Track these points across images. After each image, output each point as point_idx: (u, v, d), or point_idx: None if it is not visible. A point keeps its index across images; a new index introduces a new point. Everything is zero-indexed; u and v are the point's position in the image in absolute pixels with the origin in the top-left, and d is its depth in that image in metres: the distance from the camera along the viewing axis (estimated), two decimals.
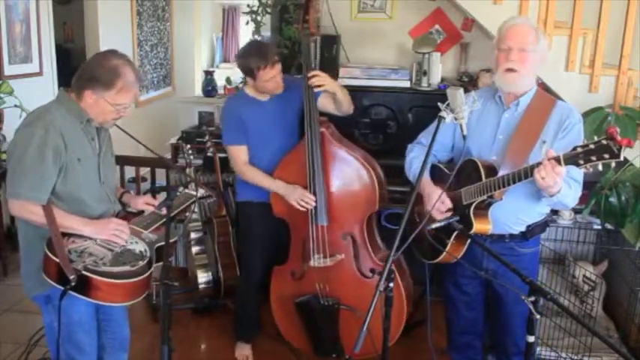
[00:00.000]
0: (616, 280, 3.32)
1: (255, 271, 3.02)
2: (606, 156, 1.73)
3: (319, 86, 2.71)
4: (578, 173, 2.11)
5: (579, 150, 1.79)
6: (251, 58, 2.72)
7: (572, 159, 1.81)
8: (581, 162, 1.79)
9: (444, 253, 2.23)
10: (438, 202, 2.20)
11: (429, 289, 2.31)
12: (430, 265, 2.34)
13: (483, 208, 2.15)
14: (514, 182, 2.00)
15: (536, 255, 2.38)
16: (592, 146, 1.76)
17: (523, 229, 2.26)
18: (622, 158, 1.72)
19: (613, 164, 1.76)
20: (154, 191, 3.80)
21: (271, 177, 2.83)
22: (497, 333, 2.49)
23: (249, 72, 2.75)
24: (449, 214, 2.22)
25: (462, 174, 2.21)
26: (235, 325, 3.20)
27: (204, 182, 3.89)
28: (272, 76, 2.73)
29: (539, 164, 1.92)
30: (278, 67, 2.75)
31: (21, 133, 2.01)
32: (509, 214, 2.21)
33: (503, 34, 2.19)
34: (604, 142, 1.73)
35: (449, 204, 2.23)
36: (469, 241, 2.19)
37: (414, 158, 2.42)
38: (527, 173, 1.95)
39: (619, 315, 3.26)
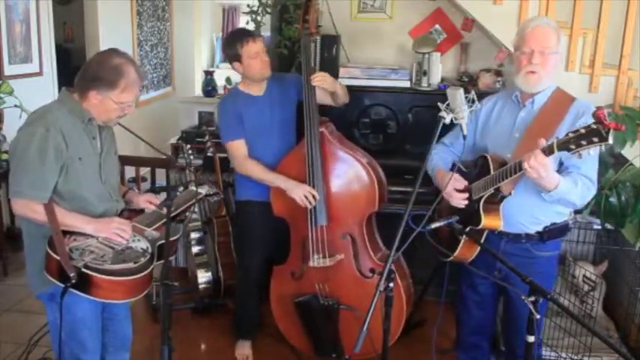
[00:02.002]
0: (616, 280, 3.32)
1: (253, 270, 3.02)
2: (595, 140, 1.74)
3: (321, 86, 2.75)
4: (590, 169, 2.10)
5: (571, 135, 1.80)
6: (233, 40, 2.80)
7: (563, 145, 1.82)
8: (573, 147, 1.79)
9: (452, 256, 2.23)
10: (452, 181, 2.21)
11: (444, 288, 2.31)
12: (446, 265, 2.34)
13: (495, 203, 2.15)
14: (512, 174, 2.00)
15: (553, 259, 2.35)
16: (582, 131, 1.77)
17: (540, 229, 2.23)
18: (611, 141, 1.73)
19: (603, 148, 1.76)
20: (154, 191, 3.79)
21: (272, 171, 2.83)
22: (507, 333, 2.49)
23: (235, 55, 2.79)
24: (466, 196, 2.22)
25: (476, 170, 2.22)
26: (235, 324, 3.20)
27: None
28: (256, 51, 2.77)
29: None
30: (260, 43, 2.80)
31: (22, 133, 2.02)
32: (524, 211, 2.19)
33: (525, 36, 2.18)
34: (593, 126, 1.74)
35: (464, 181, 2.23)
36: (484, 238, 2.18)
37: (435, 154, 2.43)
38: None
39: (619, 315, 3.25)
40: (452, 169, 2.36)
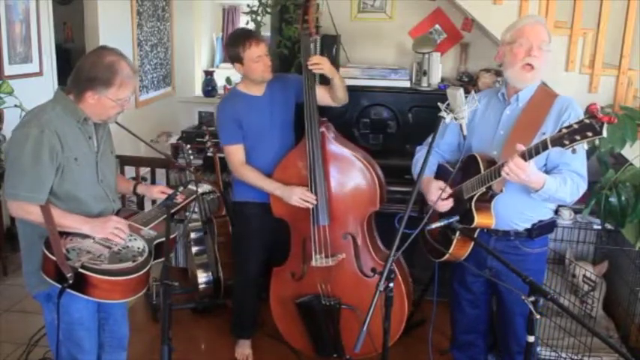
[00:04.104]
0: (616, 280, 3.32)
1: (251, 271, 3.02)
2: (589, 134, 1.76)
3: (318, 69, 2.74)
4: (580, 165, 2.12)
5: (564, 131, 1.81)
6: (235, 41, 2.77)
7: (557, 140, 1.83)
8: (567, 142, 1.80)
9: (448, 254, 2.23)
10: (438, 191, 2.21)
11: (435, 289, 2.32)
12: (436, 265, 2.35)
13: (486, 201, 2.16)
14: (498, 175, 2.01)
15: (542, 256, 2.37)
16: (576, 126, 1.78)
17: (528, 226, 2.25)
18: (605, 134, 1.74)
19: (597, 142, 1.78)
20: None
21: (269, 178, 2.83)
22: (500, 331, 2.49)
23: (236, 56, 2.77)
24: (451, 203, 2.23)
25: (465, 170, 2.22)
26: (234, 324, 3.19)
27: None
28: (258, 55, 2.75)
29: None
30: (263, 46, 2.77)
31: (17, 134, 2.01)
32: (514, 208, 2.21)
33: (525, 30, 2.18)
34: (586, 120, 1.76)
35: (449, 190, 2.24)
36: (476, 235, 2.19)
37: (420, 158, 2.43)
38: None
39: (619, 315, 3.25)
40: (438, 172, 2.38)
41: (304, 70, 2.79)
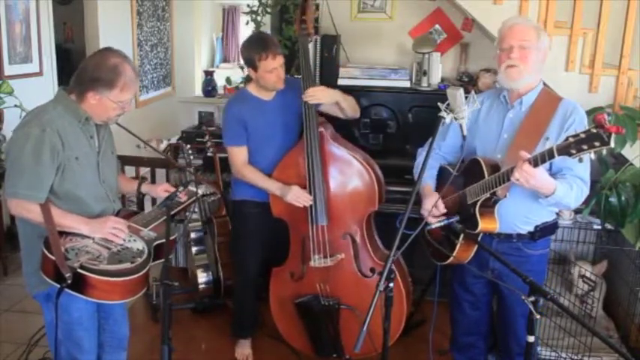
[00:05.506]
0: (616, 280, 3.32)
1: (251, 270, 3.02)
2: (597, 144, 1.74)
3: (314, 101, 2.73)
4: (584, 171, 2.11)
5: (571, 140, 1.79)
6: (253, 48, 2.74)
7: (564, 149, 1.81)
8: (573, 151, 1.79)
9: (452, 257, 2.22)
10: (433, 210, 2.21)
11: (437, 290, 2.33)
12: (438, 266, 2.35)
13: (490, 206, 2.14)
14: (506, 180, 2.01)
15: (544, 257, 2.36)
16: (583, 135, 1.77)
17: (531, 228, 2.24)
18: (612, 145, 1.73)
19: (604, 152, 1.77)
20: None
21: (269, 178, 2.83)
22: (501, 332, 2.49)
23: (251, 62, 2.75)
24: (442, 218, 2.22)
25: (468, 174, 2.22)
26: (234, 324, 3.19)
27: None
28: (274, 67, 2.73)
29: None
30: (280, 59, 2.75)
31: (18, 133, 2.02)
32: (517, 212, 2.20)
33: (504, 34, 2.20)
34: (594, 130, 1.74)
35: (442, 209, 2.24)
36: (479, 239, 2.18)
37: (422, 161, 2.42)
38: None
39: (619, 315, 3.25)
40: (440, 175, 2.38)
41: (303, 72, 2.78)
